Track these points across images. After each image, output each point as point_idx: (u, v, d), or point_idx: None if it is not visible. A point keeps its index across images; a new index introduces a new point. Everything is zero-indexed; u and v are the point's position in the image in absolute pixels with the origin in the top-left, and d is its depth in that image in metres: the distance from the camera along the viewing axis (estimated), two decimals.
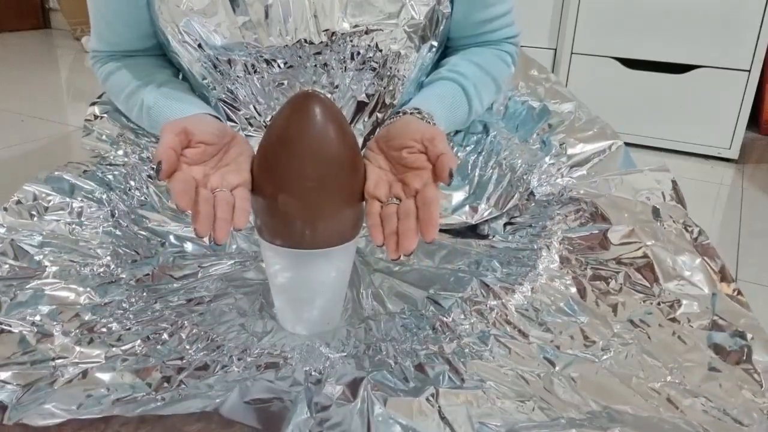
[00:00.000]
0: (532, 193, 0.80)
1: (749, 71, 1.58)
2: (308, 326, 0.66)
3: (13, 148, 1.55)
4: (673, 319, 0.61)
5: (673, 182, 0.76)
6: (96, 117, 0.88)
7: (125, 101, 0.80)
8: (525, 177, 0.81)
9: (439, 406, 0.53)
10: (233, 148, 0.63)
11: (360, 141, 0.78)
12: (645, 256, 0.67)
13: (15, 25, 3.24)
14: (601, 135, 0.85)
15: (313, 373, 0.57)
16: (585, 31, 1.72)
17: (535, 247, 0.72)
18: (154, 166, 0.54)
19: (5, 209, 0.74)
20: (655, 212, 0.71)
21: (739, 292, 0.64)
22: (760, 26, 1.53)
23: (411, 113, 0.68)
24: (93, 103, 0.89)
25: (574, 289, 0.66)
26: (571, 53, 1.75)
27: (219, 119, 0.70)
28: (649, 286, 0.65)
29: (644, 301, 0.64)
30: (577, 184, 0.79)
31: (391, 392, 0.55)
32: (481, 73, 0.80)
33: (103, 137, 0.87)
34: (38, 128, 1.72)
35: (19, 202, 0.74)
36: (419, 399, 0.54)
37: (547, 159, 0.83)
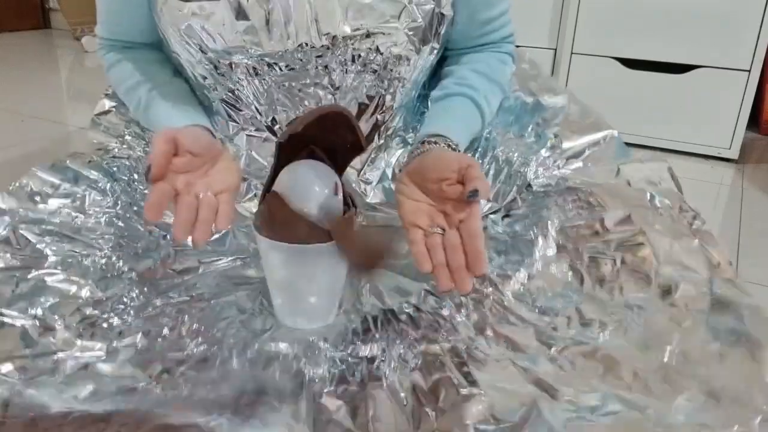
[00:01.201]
0: (529, 185, 0.80)
1: (749, 71, 1.58)
2: (306, 321, 0.67)
3: (13, 148, 1.55)
4: (671, 303, 0.61)
5: (669, 169, 0.76)
6: (105, 112, 0.89)
7: (125, 95, 0.80)
8: (522, 170, 0.81)
9: (437, 400, 0.53)
10: (221, 162, 0.65)
11: None
12: (642, 241, 0.67)
13: (15, 25, 3.24)
14: (595, 126, 0.85)
15: (312, 375, 0.58)
16: (585, 31, 1.72)
17: (532, 235, 0.72)
18: (147, 167, 0.55)
19: (9, 193, 0.74)
20: (651, 198, 0.71)
21: (737, 275, 0.64)
22: (760, 26, 1.53)
23: (437, 143, 0.70)
24: (105, 95, 0.90)
25: (570, 275, 0.66)
26: (571, 53, 1.75)
27: (211, 132, 0.72)
28: (646, 269, 0.64)
29: (641, 286, 0.63)
30: (574, 175, 0.79)
31: (392, 390, 0.55)
32: (489, 83, 0.80)
33: (110, 130, 0.87)
34: (38, 128, 1.72)
35: (22, 187, 0.74)
36: (418, 394, 0.54)
37: (543, 152, 0.83)
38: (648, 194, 0.72)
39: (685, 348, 0.56)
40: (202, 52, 0.71)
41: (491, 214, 0.80)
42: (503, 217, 0.79)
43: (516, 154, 0.82)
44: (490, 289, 0.66)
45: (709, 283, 0.62)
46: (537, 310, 0.62)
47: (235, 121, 0.79)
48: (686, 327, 0.58)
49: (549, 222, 0.72)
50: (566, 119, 0.87)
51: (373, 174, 0.83)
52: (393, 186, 0.83)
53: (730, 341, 0.56)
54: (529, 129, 0.87)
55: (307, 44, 0.70)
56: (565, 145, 0.84)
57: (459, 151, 0.71)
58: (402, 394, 0.56)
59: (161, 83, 0.77)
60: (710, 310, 0.60)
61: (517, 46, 0.88)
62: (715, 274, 0.63)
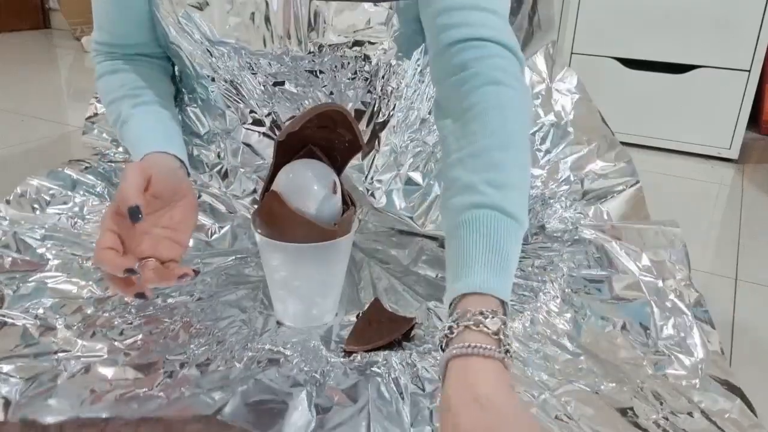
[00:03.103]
0: (542, 226, 0.80)
1: (749, 71, 1.58)
2: (305, 320, 0.67)
3: (13, 148, 1.55)
4: (663, 375, 0.62)
5: (683, 243, 0.76)
6: (96, 114, 0.88)
7: (107, 106, 0.79)
8: (538, 208, 0.81)
9: (434, 418, 0.53)
10: (179, 209, 0.64)
11: None
12: (644, 310, 0.67)
13: (15, 25, 3.24)
14: (622, 172, 0.86)
15: (314, 375, 0.58)
16: (585, 31, 1.72)
17: (540, 279, 0.72)
18: (131, 208, 0.55)
19: (8, 202, 0.74)
20: (660, 269, 0.71)
21: (728, 359, 0.64)
22: (760, 26, 1.53)
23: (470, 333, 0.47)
24: (95, 97, 0.89)
25: (571, 327, 0.66)
26: (571, 53, 1.75)
27: (183, 162, 0.70)
28: (644, 339, 0.65)
29: (637, 354, 0.64)
30: (589, 225, 0.79)
31: (389, 399, 0.55)
32: (497, 158, 0.55)
33: (104, 135, 0.87)
34: (38, 128, 1.72)
35: (21, 195, 0.75)
36: (416, 409, 0.54)
37: (563, 187, 0.83)
38: (657, 264, 0.72)
39: (677, 413, 0.57)
40: (200, 41, 0.71)
41: None
42: None
43: (537, 184, 0.82)
44: None
45: (701, 364, 0.63)
46: (536, 354, 0.63)
47: (233, 113, 0.79)
48: (678, 399, 0.58)
49: (558, 269, 0.73)
50: (592, 155, 0.87)
51: (384, 176, 0.83)
52: (404, 192, 0.83)
53: (717, 416, 0.57)
54: (549, 158, 0.86)
55: (293, 51, 0.69)
56: (587, 186, 0.84)
57: (505, 312, 0.50)
58: (401, 389, 0.56)
59: (144, 102, 0.75)
60: (700, 388, 0.60)
61: None
62: (708, 358, 0.63)
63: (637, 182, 0.86)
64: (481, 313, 0.47)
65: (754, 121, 1.80)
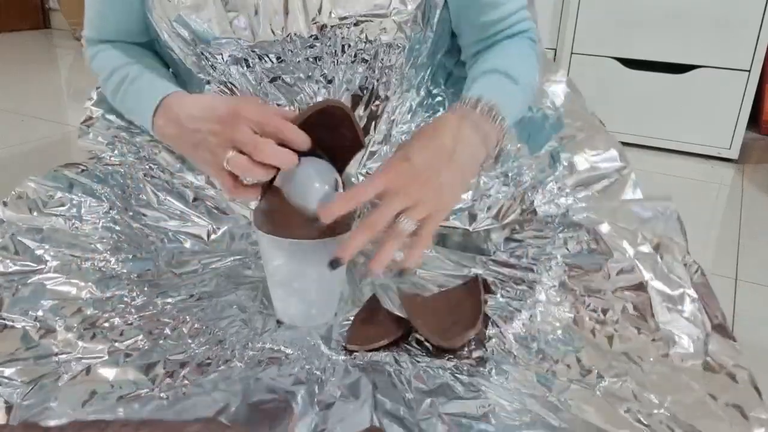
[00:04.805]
0: (534, 211, 0.79)
1: (749, 71, 1.58)
2: (305, 319, 0.67)
3: (13, 148, 1.55)
4: (666, 356, 0.61)
5: (678, 216, 0.75)
6: (91, 118, 0.88)
7: (109, 76, 0.78)
8: (529, 194, 0.80)
9: (439, 412, 0.53)
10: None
11: None
12: (643, 290, 0.66)
13: (15, 25, 3.24)
14: (612, 158, 0.85)
15: (315, 372, 0.58)
16: (585, 31, 1.72)
17: (535, 270, 0.72)
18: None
19: (5, 204, 0.74)
20: (656, 246, 0.71)
21: (733, 335, 0.64)
22: (760, 26, 1.53)
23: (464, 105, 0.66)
24: (89, 99, 0.89)
25: (571, 317, 0.66)
26: (571, 53, 1.76)
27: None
28: (645, 321, 0.64)
29: (639, 336, 0.63)
30: (581, 208, 0.78)
31: (392, 395, 0.55)
32: (510, 59, 0.76)
33: (99, 138, 0.87)
34: (38, 128, 1.72)
35: (19, 197, 0.75)
36: (420, 405, 0.54)
37: (554, 174, 0.83)
38: (653, 241, 0.71)
39: (680, 400, 0.56)
40: (194, 43, 0.71)
41: (493, 233, 0.79)
42: (506, 239, 0.79)
43: (526, 176, 0.82)
44: (494, 330, 0.66)
45: (705, 340, 0.62)
46: (537, 355, 0.62)
47: None
48: (681, 381, 0.58)
49: (553, 258, 0.72)
50: (583, 144, 0.86)
51: (376, 165, 0.83)
52: None
53: (723, 399, 0.56)
54: (543, 150, 0.86)
55: (296, 34, 0.69)
56: (578, 169, 0.83)
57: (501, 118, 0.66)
58: (403, 386, 0.56)
59: (152, 66, 0.76)
60: (704, 368, 0.60)
61: None
62: (712, 333, 0.63)
63: (626, 166, 0.85)
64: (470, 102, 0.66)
65: (754, 121, 1.80)
